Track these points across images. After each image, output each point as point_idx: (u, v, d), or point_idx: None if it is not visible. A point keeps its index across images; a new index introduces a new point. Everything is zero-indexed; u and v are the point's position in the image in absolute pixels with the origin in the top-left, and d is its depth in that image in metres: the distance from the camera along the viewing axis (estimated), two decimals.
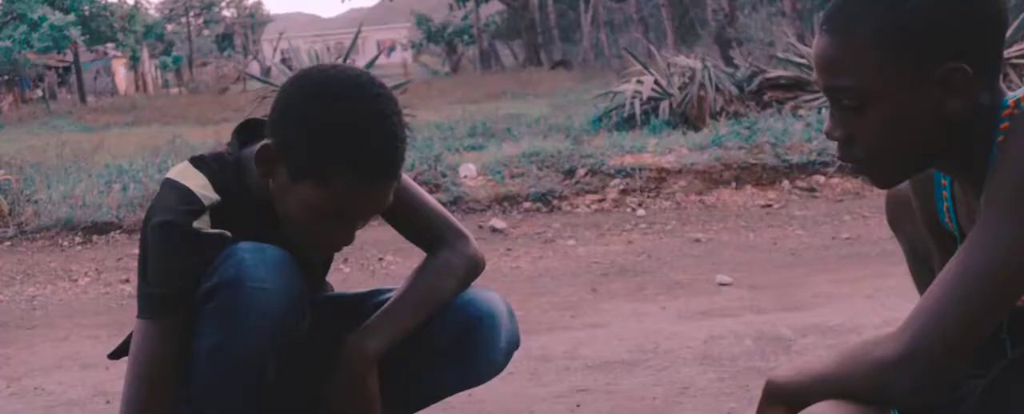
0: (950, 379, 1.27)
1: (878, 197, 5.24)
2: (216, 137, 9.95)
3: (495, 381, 2.96)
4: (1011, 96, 1.34)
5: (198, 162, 1.70)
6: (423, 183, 5.79)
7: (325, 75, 1.60)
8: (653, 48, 12.85)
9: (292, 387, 1.81)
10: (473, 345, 1.86)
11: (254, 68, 29.90)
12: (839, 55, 1.32)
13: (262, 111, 10.31)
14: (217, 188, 1.65)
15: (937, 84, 1.29)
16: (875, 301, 3.47)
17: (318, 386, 1.81)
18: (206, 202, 1.63)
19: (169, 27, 51.98)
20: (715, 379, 2.80)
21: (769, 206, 5.58)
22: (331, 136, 1.55)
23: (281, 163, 1.61)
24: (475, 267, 1.93)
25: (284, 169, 1.61)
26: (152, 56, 44.00)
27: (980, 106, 1.31)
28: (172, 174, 1.68)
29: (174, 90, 36.21)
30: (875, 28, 1.29)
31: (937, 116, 1.31)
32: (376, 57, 11.31)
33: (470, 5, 36.64)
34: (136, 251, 5.42)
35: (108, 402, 2.82)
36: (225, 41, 55.77)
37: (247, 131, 1.76)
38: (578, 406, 2.68)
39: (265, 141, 1.62)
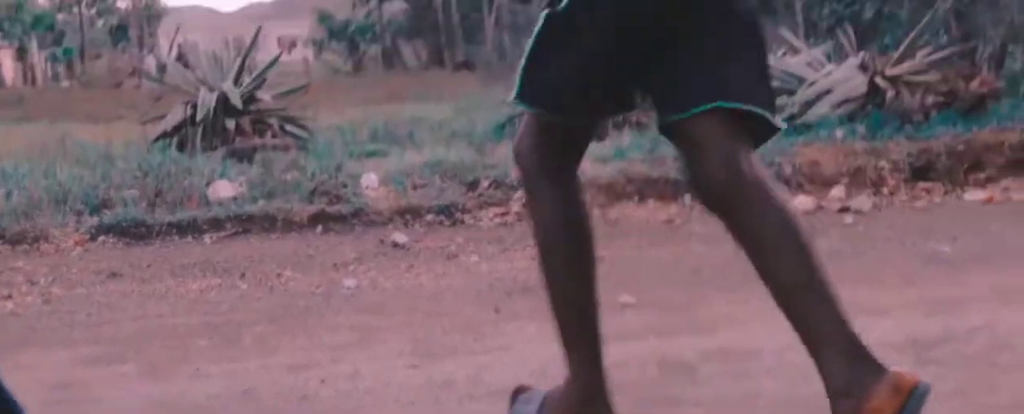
0: None
1: None
2: (108, 136, 9.60)
3: (399, 410, 2.92)
4: None
5: None
6: (323, 194, 5.68)
7: None
8: None
9: None
10: None
11: (150, 63, 29.12)
12: None
13: (158, 110, 9.97)
14: None
15: None
16: (773, 324, 3.50)
17: None
18: None
19: (60, 17, 50.19)
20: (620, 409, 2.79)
21: (671, 221, 5.62)
22: None
23: None
24: None
25: None
26: (41, 47, 42.43)
27: None
28: None
29: (65, 83, 35.05)
30: None
31: None
32: (279, 55, 11.12)
33: (372, 3, 36.30)
34: (18, 264, 5.16)
35: None
36: (120, 33, 54.12)
37: None
38: None
39: None
